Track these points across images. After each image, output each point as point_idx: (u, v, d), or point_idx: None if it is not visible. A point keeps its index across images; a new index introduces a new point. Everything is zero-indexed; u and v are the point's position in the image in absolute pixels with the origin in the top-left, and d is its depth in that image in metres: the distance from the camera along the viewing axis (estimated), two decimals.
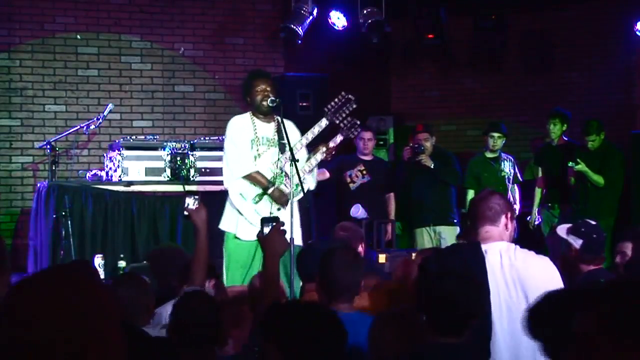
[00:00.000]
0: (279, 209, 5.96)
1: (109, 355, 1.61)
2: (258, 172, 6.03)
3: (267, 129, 6.14)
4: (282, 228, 3.46)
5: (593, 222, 5.10)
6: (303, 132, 6.13)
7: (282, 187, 6.00)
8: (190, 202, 3.97)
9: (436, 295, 3.05)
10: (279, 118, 6.06)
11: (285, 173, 5.97)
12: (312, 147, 6.17)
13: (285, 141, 5.98)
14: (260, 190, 6.02)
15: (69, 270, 1.70)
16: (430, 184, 8.20)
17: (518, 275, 3.51)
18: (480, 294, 3.17)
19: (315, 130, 6.05)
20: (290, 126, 6.17)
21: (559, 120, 8.49)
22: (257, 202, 5.99)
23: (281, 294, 3.81)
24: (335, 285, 3.56)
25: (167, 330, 3.30)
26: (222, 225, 6.07)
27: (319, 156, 6.07)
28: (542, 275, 3.57)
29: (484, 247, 3.58)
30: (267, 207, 5.98)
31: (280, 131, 6.07)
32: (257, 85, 6.11)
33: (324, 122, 6.04)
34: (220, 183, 7.67)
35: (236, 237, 5.98)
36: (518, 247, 3.66)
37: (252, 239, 5.76)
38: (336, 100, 6.07)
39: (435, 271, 3.42)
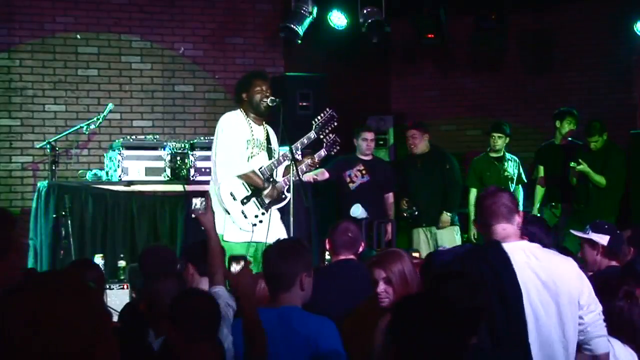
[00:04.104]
0: (263, 214, 6.00)
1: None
2: (254, 171, 6.04)
3: (260, 131, 6.18)
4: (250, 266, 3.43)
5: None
6: (292, 141, 6.12)
7: (278, 185, 6.03)
8: (198, 203, 3.94)
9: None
10: (267, 125, 6.21)
11: (273, 178, 6.03)
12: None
13: (273, 147, 6.09)
14: (249, 192, 6.02)
15: (62, 276, 1.74)
16: (424, 185, 8.20)
17: (549, 275, 3.43)
18: (483, 294, 3.11)
19: (305, 141, 6.12)
20: (272, 130, 6.27)
21: (574, 120, 8.53)
22: (244, 204, 6.00)
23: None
24: (268, 274, 3.55)
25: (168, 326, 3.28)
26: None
27: (304, 167, 6.14)
28: (571, 276, 3.50)
29: (505, 246, 3.47)
30: (253, 210, 6.00)
31: (269, 137, 6.16)
32: (257, 84, 6.13)
33: (312, 135, 6.12)
34: None
35: (224, 240, 5.94)
36: (540, 246, 3.59)
37: (240, 240, 5.89)
38: (322, 115, 6.16)
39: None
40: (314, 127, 6.12)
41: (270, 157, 6.10)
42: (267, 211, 6.02)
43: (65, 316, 1.61)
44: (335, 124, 6.15)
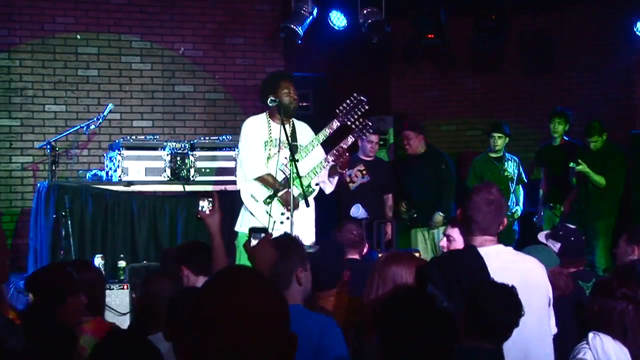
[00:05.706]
0: (289, 209, 5.93)
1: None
2: (269, 174, 5.99)
3: (280, 130, 6.05)
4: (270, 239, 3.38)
5: (572, 226, 5.11)
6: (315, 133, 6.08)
7: (294, 189, 5.93)
8: (205, 205, 3.86)
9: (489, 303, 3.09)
10: (293, 120, 6.12)
11: (298, 174, 5.92)
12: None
13: (297, 143, 5.99)
14: (271, 192, 5.99)
15: (249, 274, 1.80)
16: (419, 185, 8.20)
17: (523, 277, 3.48)
18: (517, 307, 3.18)
19: (326, 132, 6.01)
20: (303, 128, 6.18)
21: (563, 120, 8.52)
22: (268, 204, 5.98)
23: None
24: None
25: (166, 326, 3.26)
26: (237, 227, 6.08)
27: (330, 158, 5.99)
28: (544, 279, 3.65)
29: (480, 250, 3.51)
30: (278, 209, 5.96)
31: (293, 133, 6.08)
32: (284, 86, 6.04)
33: (335, 124, 6.00)
34: (219, 183, 7.71)
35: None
36: (512, 249, 3.71)
37: None
38: (348, 101, 6.03)
39: (436, 278, 3.38)
40: (337, 115, 6.00)
41: (293, 153, 5.96)
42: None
43: (267, 310, 1.69)
44: (366, 107, 6.03)
